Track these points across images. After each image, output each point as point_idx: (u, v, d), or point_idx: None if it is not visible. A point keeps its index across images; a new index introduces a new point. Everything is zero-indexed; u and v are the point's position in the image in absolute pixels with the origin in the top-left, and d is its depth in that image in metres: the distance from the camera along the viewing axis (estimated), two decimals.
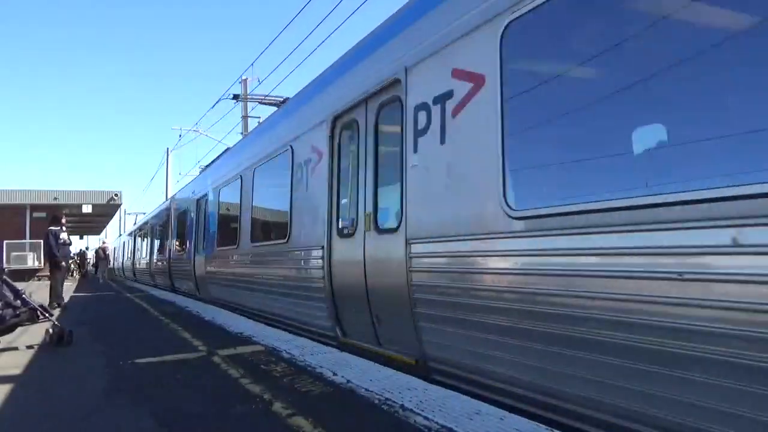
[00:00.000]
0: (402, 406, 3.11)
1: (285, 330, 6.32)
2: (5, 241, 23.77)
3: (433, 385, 3.57)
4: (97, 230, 41.23)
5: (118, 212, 34.24)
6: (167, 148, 30.61)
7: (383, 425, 2.86)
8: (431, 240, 3.83)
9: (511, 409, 3.02)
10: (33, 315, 5.91)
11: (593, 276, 2.64)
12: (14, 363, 4.89)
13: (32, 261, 24.12)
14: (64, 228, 11.46)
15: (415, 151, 4.04)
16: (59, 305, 10.33)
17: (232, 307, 8.96)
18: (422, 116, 3.99)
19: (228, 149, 12.25)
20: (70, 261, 24.97)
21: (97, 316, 9.22)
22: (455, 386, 3.55)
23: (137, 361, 4.81)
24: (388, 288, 4.37)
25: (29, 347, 5.73)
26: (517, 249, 3.14)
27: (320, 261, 5.48)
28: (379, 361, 4.38)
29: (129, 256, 26.72)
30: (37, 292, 10.72)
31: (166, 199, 20.00)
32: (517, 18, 3.16)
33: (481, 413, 2.92)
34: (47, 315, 6.03)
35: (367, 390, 3.51)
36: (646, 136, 2.66)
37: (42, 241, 14.25)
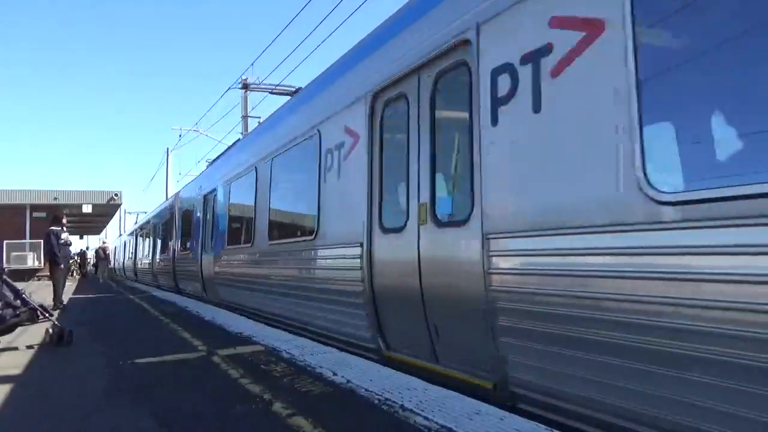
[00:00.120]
0: (402, 406, 3.10)
1: (310, 339, 5.63)
2: (5, 241, 23.83)
3: (433, 386, 3.56)
4: (97, 230, 41.28)
5: (118, 212, 34.29)
6: (167, 148, 30.74)
7: (383, 425, 2.86)
8: (523, 234, 3.06)
9: (511, 409, 3.02)
10: (33, 315, 5.92)
11: None
12: (14, 363, 4.89)
13: (32, 261, 24.17)
14: (64, 228, 11.46)
15: (495, 123, 3.29)
16: (60, 306, 10.31)
17: (246, 311, 8.24)
18: (504, 81, 3.25)
19: (238, 141, 11.62)
20: (71, 261, 24.98)
21: (97, 316, 9.22)
22: (550, 420, 2.87)
23: (137, 361, 4.81)
24: (453, 293, 3.65)
25: (29, 347, 5.73)
26: (668, 245, 2.33)
27: (358, 260, 4.76)
28: (436, 381, 3.64)
29: (130, 255, 26.45)
30: (37, 292, 10.73)
31: (166, 199, 19.92)
32: None
33: (481, 413, 2.91)
34: (47, 315, 6.04)
35: (367, 390, 3.50)
36: None
37: (42, 241, 14.25)
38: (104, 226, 39.88)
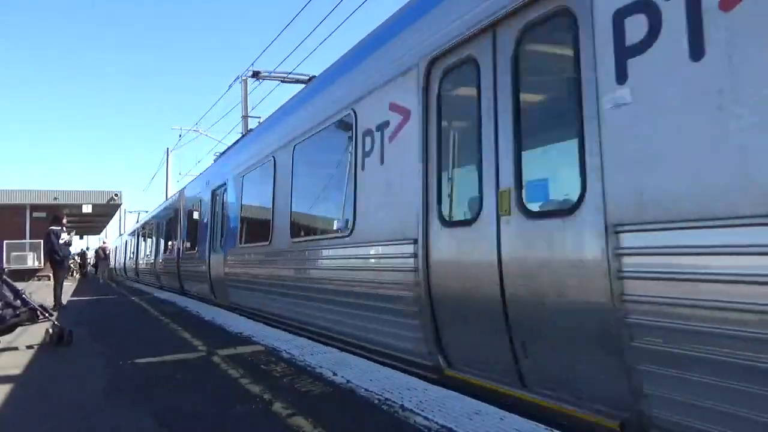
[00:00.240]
0: (402, 406, 3.11)
1: (346, 351, 4.97)
2: (5, 241, 23.83)
3: (433, 385, 3.56)
4: (97, 230, 41.29)
5: (118, 212, 34.31)
6: (167, 148, 30.71)
7: (383, 425, 2.86)
8: (676, 226, 2.30)
9: (512, 409, 3.01)
10: (33, 315, 5.92)
11: None
12: (14, 363, 4.89)
13: (32, 261, 24.17)
14: (65, 228, 11.46)
15: (621, 81, 2.58)
16: (60, 307, 10.31)
17: (263, 317, 7.51)
18: (632, 27, 2.54)
19: (250, 131, 10.76)
20: (71, 261, 25.00)
21: (96, 316, 9.22)
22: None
23: (137, 361, 4.81)
24: (554, 303, 2.93)
25: (29, 347, 5.73)
26: None
27: (411, 260, 4.07)
28: (518, 411, 2.94)
29: (131, 255, 26.17)
30: (37, 292, 10.74)
31: (168, 197, 19.80)
32: None
33: (481, 413, 2.91)
34: (47, 315, 6.03)
35: (367, 390, 3.50)
36: None
37: (42, 240, 14.24)
38: (104, 226, 39.89)
